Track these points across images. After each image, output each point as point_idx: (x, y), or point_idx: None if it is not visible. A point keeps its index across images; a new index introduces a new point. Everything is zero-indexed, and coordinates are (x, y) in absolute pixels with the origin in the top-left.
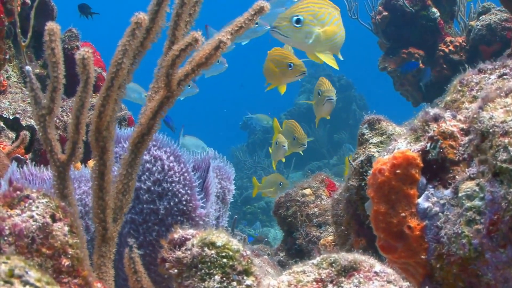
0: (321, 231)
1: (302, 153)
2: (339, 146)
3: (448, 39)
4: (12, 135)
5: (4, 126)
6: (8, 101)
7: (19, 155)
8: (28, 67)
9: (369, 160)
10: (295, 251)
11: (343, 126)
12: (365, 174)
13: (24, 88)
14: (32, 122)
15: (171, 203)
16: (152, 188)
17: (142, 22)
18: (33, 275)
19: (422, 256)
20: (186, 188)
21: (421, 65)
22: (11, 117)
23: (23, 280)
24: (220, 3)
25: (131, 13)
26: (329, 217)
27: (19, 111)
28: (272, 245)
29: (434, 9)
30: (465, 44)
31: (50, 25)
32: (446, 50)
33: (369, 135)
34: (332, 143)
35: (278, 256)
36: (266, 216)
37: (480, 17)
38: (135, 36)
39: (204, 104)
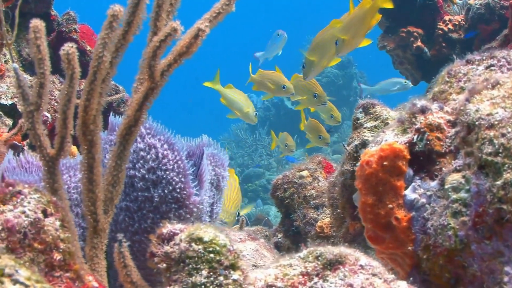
0: (318, 213)
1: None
2: (340, 123)
3: (447, 17)
4: (9, 121)
5: (1, 113)
6: (6, 85)
7: (16, 142)
8: (15, 65)
9: (364, 144)
10: (293, 233)
11: (344, 103)
12: (359, 158)
13: (22, 72)
14: None
15: (165, 191)
16: (147, 176)
17: (118, 14)
18: (23, 273)
19: (409, 247)
20: (180, 176)
21: (419, 43)
22: (9, 102)
23: (13, 279)
24: None
25: None
26: (326, 199)
27: (17, 95)
28: (273, 224)
29: None
30: (464, 23)
31: (35, 22)
32: (445, 28)
33: (363, 120)
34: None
35: (276, 237)
36: (267, 194)
37: None
38: (113, 28)
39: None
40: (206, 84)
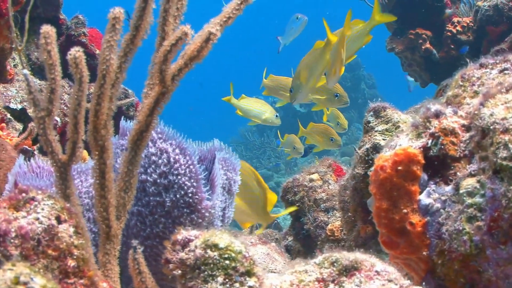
0: (329, 216)
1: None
2: (348, 125)
3: (455, 19)
4: (19, 126)
5: (11, 117)
6: (16, 89)
7: (27, 147)
8: (25, 71)
9: (375, 148)
10: (303, 236)
11: (352, 105)
12: (371, 162)
13: (31, 76)
14: None
15: (177, 196)
16: (158, 180)
17: (119, 16)
18: (38, 281)
19: (424, 252)
20: (192, 181)
21: (428, 45)
22: (19, 106)
23: (29, 287)
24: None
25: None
26: (337, 203)
27: (27, 99)
28: (282, 226)
29: None
30: (472, 25)
31: (45, 28)
32: (454, 30)
33: (374, 123)
34: None
35: (286, 241)
36: None
37: None
38: (116, 31)
39: (213, 83)
40: (224, 99)
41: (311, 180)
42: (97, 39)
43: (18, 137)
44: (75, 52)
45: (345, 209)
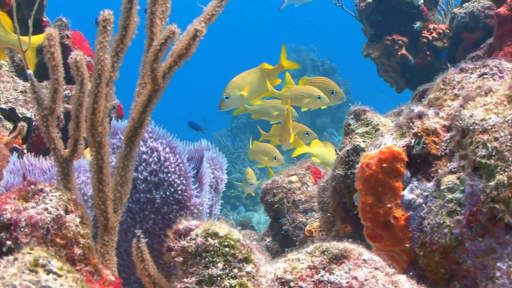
0: (307, 217)
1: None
2: (322, 131)
3: (431, 26)
4: (9, 125)
5: (1, 116)
6: (0, 90)
7: (17, 145)
8: (29, 71)
9: (355, 149)
10: (282, 236)
11: (326, 110)
12: (351, 163)
13: (15, 77)
14: (24, 111)
15: (167, 193)
16: (149, 178)
17: (109, 18)
18: (55, 264)
19: (407, 245)
20: (182, 178)
21: (404, 51)
22: (3, 106)
23: (47, 269)
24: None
25: (119, 2)
26: (315, 204)
27: (11, 100)
28: (256, 230)
29: None
30: (448, 31)
31: (49, 30)
32: (430, 37)
33: (355, 126)
34: (315, 127)
35: (264, 241)
36: (249, 200)
37: (463, 5)
38: (108, 32)
39: (190, 87)
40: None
41: (290, 182)
42: (79, 41)
43: (8, 136)
44: (76, 55)
45: (324, 210)
